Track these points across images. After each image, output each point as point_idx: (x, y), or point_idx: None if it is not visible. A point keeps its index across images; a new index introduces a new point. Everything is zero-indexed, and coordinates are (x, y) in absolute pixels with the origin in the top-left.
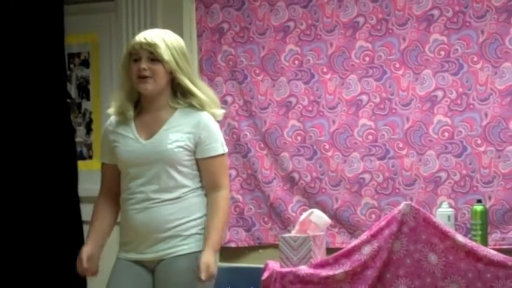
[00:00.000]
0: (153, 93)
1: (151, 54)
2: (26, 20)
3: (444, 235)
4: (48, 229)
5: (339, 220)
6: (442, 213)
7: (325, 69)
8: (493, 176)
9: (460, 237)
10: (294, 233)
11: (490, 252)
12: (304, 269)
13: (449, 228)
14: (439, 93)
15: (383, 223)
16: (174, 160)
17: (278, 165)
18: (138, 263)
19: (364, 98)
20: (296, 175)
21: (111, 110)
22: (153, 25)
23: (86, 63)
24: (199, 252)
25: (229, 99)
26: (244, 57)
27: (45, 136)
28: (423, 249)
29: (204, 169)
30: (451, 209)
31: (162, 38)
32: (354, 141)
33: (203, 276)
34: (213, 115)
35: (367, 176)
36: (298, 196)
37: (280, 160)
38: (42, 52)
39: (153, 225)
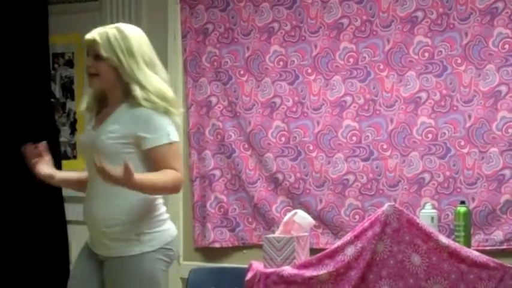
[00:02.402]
0: (104, 89)
1: (95, 51)
2: (10, 20)
3: (427, 236)
4: (32, 229)
5: (322, 221)
6: (426, 214)
7: (309, 70)
8: (477, 177)
9: (443, 239)
10: (277, 233)
11: (473, 253)
12: (287, 270)
13: (432, 229)
14: (423, 95)
15: (366, 224)
16: (107, 152)
17: (262, 166)
18: (90, 249)
19: (349, 99)
20: (280, 176)
21: (83, 107)
22: (138, 25)
23: (70, 63)
24: (137, 255)
25: (213, 99)
26: (228, 58)
27: (29, 136)
28: (406, 250)
29: (151, 160)
30: (434, 210)
31: (106, 35)
32: (338, 142)
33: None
34: (156, 110)
35: (351, 177)
36: (282, 197)
37: (265, 161)
38: (27, 52)
39: (92, 221)
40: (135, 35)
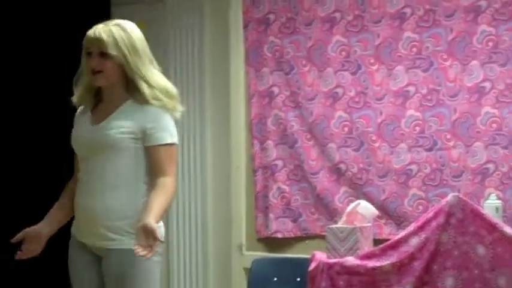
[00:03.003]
0: (106, 86)
1: (100, 49)
2: (73, 10)
3: (492, 227)
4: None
5: (386, 211)
6: (490, 204)
7: (372, 60)
8: None
9: (508, 229)
10: (340, 224)
11: None
12: (351, 260)
13: (497, 220)
14: (487, 85)
15: (430, 214)
16: (115, 146)
17: (325, 156)
18: (84, 244)
19: (412, 89)
20: (343, 166)
21: (74, 99)
22: (200, 16)
23: None
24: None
25: (275, 90)
26: (290, 48)
27: None
28: (471, 241)
29: (151, 157)
30: (499, 201)
31: (111, 33)
32: (401, 132)
33: (141, 234)
34: (163, 108)
35: (414, 167)
36: (345, 187)
37: (327, 151)
38: None
39: (93, 214)
40: (136, 32)
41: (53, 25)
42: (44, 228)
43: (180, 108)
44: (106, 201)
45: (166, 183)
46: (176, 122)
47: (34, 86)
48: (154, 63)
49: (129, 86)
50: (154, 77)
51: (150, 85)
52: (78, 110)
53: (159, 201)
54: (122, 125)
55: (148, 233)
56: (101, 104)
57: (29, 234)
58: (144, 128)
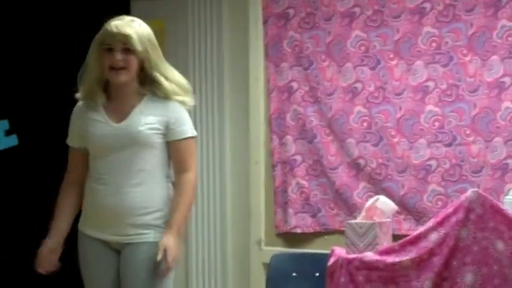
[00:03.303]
0: (126, 82)
1: (125, 45)
2: (93, 5)
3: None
4: None
5: (405, 207)
6: (510, 200)
7: (391, 55)
8: None
9: None
10: (359, 219)
11: None
12: (370, 256)
13: None
14: (507, 80)
15: (450, 210)
16: (145, 142)
17: (344, 152)
18: (101, 241)
19: (431, 84)
20: (362, 161)
21: (79, 95)
22: (219, 11)
23: None
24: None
25: (294, 85)
26: (310, 43)
27: None
28: (490, 236)
29: (173, 151)
30: None
31: (134, 29)
32: (421, 127)
33: (159, 257)
34: (181, 103)
35: (433, 163)
36: (364, 182)
37: (346, 146)
38: None
39: (121, 210)
40: (149, 28)
41: (73, 20)
42: (56, 244)
43: (192, 103)
44: (131, 197)
45: (189, 181)
46: (195, 117)
47: (56, 82)
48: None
49: (146, 81)
50: (170, 72)
51: (169, 80)
52: (80, 106)
53: (179, 208)
54: (148, 121)
55: (166, 253)
56: (113, 100)
57: (44, 255)
58: (167, 123)
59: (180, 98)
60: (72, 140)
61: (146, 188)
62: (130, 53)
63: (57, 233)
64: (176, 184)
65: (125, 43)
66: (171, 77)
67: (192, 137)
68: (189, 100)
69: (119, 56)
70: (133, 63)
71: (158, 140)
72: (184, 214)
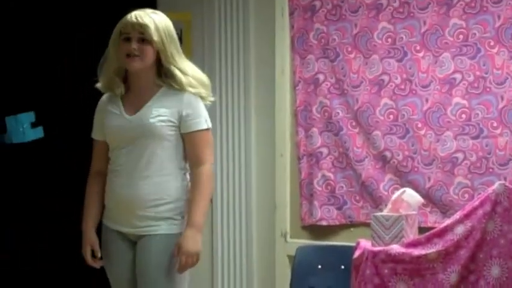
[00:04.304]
0: (139, 71)
1: (142, 34)
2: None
3: None
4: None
5: (431, 199)
6: None
7: (418, 47)
8: None
9: None
10: (386, 211)
11: None
12: (396, 248)
13: None
14: None
15: (476, 203)
16: (156, 134)
17: (370, 144)
18: (120, 232)
19: (458, 76)
20: (388, 154)
21: (100, 85)
22: (245, 3)
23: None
24: (178, 234)
25: (321, 77)
26: (336, 35)
27: None
28: None
29: (188, 144)
30: None
31: (152, 19)
32: (447, 120)
33: (176, 254)
34: (197, 94)
35: (460, 155)
36: (390, 175)
37: (372, 138)
38: None
39: (133, 202)
40: (169, 21)
41: (101, 13)
42: (93, 230)
43: (211, 98)
44: (142, 188)
45: (203, 175)
46: (221, 109)
47: (82, 75)
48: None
49: (162, 73)
50: (187, 66)
51: (184, 73)
52: (103, 99)
53: (196, 204)
54: (160, 113)
55: (180, 251)
56: (131, 92)
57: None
58: (180, 115)
59: (194, 90)
60: (95, 133)
61: (158, 180)
62: (147, 43)
63: (92, 228)
64: (192, 179)
65: (141, 32)
66: (187, 70)
67: (207, 129)
68: (205, 93)
69: (134, 45)
70: (149, 53)
71: (170, 132)
72: (202, 210)
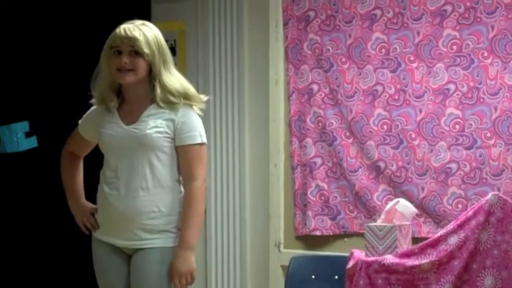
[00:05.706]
0: (132, 84)
1: (132, 47)
2: (114, 7)
3: None
4: None
5: (425, 210)
6: None
7: (412, 58)
8: None
9: None
10: (379, 222)
11: None
12: (389, 258)
13: None
14: None
15: (470, 213)
16: (153, 146)
17: (364, 154)
18: (113, 246)
19: (452, 87)
20: (382, 164)
21: (94, 101)
22: (239, 13)
23: (172, 51)
24: (174, 248)
25: (315, 87)
26: (330, 46)
27: None
28: (511, 240)
29: (181, 157)
30: None
31: (141, 31)
32: (441, 130)
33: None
34: (191, 107)
35: (454, 166)
36: (383, 185)
37: (366, 149)
38: None
39: (129, 214)
40: (159, 32)
41: (94, 22)
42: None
43: (202, 106)
44: (138, 201)
45: (195, 191)
46: (214, 119)
47: (76, 84)
48: (172, 63)
49: (155, 85)
50: (169, 79)
51: (163, 87)
52: (95, 108)
53: (187, 223)
54: (157, 124)
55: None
56: (126, 103)
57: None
58: (175, 127)
59: (189, 103)
60: (82, 129)
61: (154, 192)
62: (138, 56)
63: (75, 197)
64: (184, 194)
65: (132, 46)
66: (168, 84)
67: (201, 144)
68: (198, 104)
69: (126, 59)
70: (141, 66)
71: (167, 143)
72: (194, 227)
